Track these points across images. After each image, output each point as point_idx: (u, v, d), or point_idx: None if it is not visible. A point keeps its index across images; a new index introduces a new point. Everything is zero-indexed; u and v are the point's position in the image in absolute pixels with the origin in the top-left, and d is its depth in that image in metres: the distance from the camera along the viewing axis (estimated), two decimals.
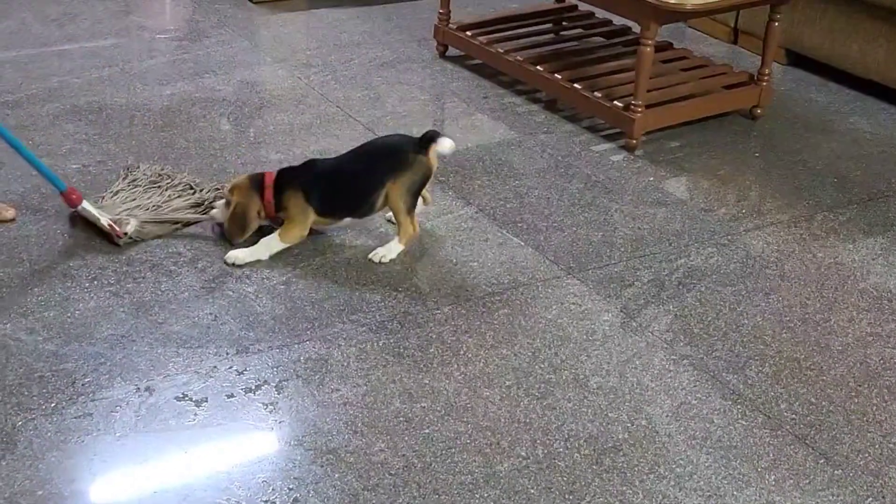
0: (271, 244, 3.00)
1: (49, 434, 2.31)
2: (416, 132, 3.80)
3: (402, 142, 3.10)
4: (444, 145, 3.03)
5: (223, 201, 3.06)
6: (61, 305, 2.75)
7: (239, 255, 2.97)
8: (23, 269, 2.89)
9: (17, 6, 4.86)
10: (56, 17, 4.78)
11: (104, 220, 3.01)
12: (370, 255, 3.03)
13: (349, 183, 3.03)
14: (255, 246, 2.99)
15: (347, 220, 3.09)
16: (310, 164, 3.10)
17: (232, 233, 3.02)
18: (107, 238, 3.02)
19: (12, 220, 3.11)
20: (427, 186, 3.08)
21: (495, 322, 2.80)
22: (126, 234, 3.00)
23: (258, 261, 2.97)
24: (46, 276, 2.87)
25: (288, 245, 3.01)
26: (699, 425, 2.47)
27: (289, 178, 3.02)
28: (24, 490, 2.16)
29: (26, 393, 2.43)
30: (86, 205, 3.04)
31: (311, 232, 3.07)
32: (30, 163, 3.07)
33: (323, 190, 3.01)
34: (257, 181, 3.02)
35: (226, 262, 2.96)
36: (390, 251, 3.03)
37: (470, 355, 2.66)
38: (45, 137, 3.62)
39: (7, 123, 3.69)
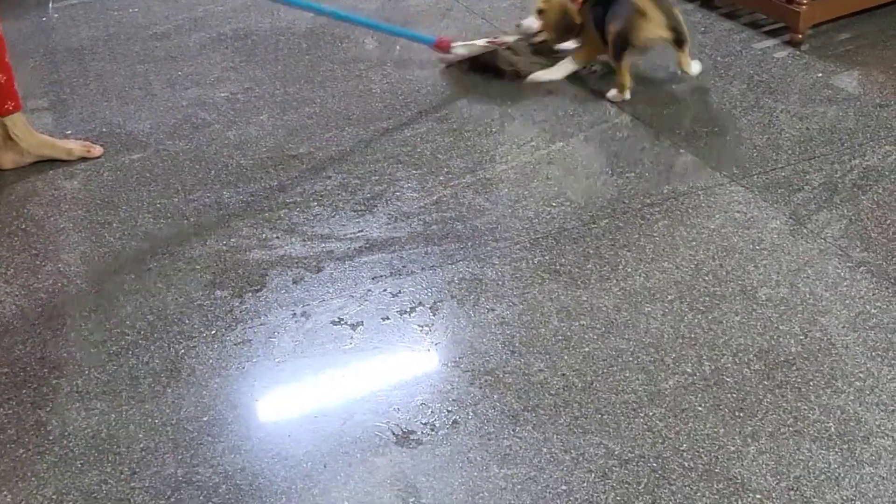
0: (566, 66, 3.39)
1: (211, 361, 2.34)
2: None
3: None
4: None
5: (529, 19, 3.45)
6: (216, 234, 2.77)
7: (539, 75, 3.39)
8: (178, 200, 2.92)
9: None
10: None
11: (481, 42, 3.51)
12: (608, 95, 3.31)
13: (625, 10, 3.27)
14: (554, 68, 3.40)
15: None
16: None
17: (559, 34, 3.42)
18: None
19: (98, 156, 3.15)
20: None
21: (655, 234, 2.68)
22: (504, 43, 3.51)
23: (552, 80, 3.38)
24: (200, 206, 2.89)
25: (581, 66, 3.41)
26: (880, 336, 2.31)
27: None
28: (189, 416, 2.19)
29: (187, 322, 2.46)
30: (457, 48, 3.51)
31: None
32: (392, 33, 3.64)
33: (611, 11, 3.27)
34: None
35: (529, 80, 3.39)
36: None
37: (629, 270, 2.56)
38: (194, 67, 3.64)
39: (156, 55, 3.75)
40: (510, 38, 3.52)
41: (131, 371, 2.32)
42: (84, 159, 3.12)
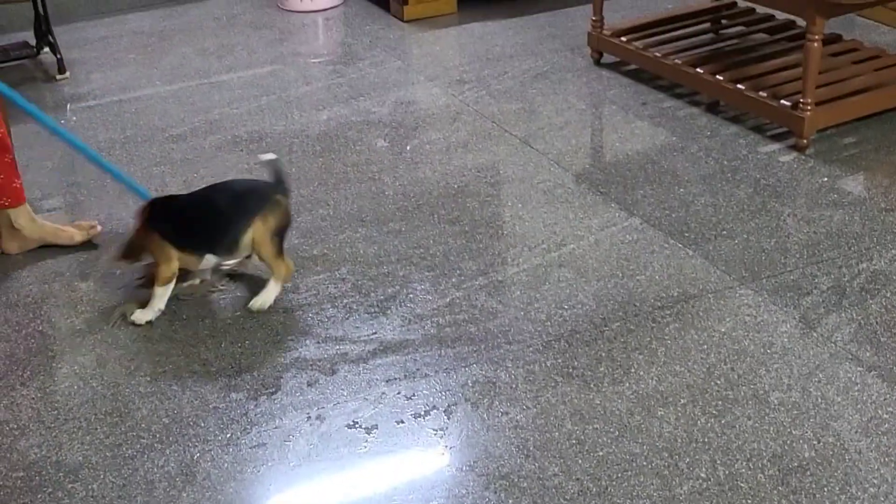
0: (157, 293, 2.86)
1: (226, 465, 2.35)
2: (574, 143, 3.76)
3: (264, 184, 2.98)
4: None
5: None
6: (231, 336, 2.79)
7: (138, 315, 2.86)
8: (193, 301, 2.95)
9: (177, 42, 5.02)
10: (214, 49, 4.91)
11: None
12: (249, 305, 2.89)
13: (210, 217, 2.89)
14: (149, 304, 2.88)
15: (213, 259, 2.94)
16: (168, 201, 2.97)
17: (124, 257, 2.96)
18: None
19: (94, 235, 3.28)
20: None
21: (666, 337, 2.70)
22: None
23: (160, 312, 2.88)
24: (217, 306, 2.92)
25: (167, 287, 2.86)
26: (892, 441, 2.31)
27: (151, 218, 2.89)
28: None
29: (202, 424, 2.47)
30: None
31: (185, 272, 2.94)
32: (115, 177, 3.22)
33: (179, 224, 2.87)
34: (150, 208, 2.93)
35: (133, 324, 2.86)
36: (269, 295, 2.89)
37: (641, 373, 2.57)
38: (209, 169, 3.70)
39: (173, 157, 3.82)
40: None
41: (147, 475, 2.32)
42: (92, 246, 3.23)
